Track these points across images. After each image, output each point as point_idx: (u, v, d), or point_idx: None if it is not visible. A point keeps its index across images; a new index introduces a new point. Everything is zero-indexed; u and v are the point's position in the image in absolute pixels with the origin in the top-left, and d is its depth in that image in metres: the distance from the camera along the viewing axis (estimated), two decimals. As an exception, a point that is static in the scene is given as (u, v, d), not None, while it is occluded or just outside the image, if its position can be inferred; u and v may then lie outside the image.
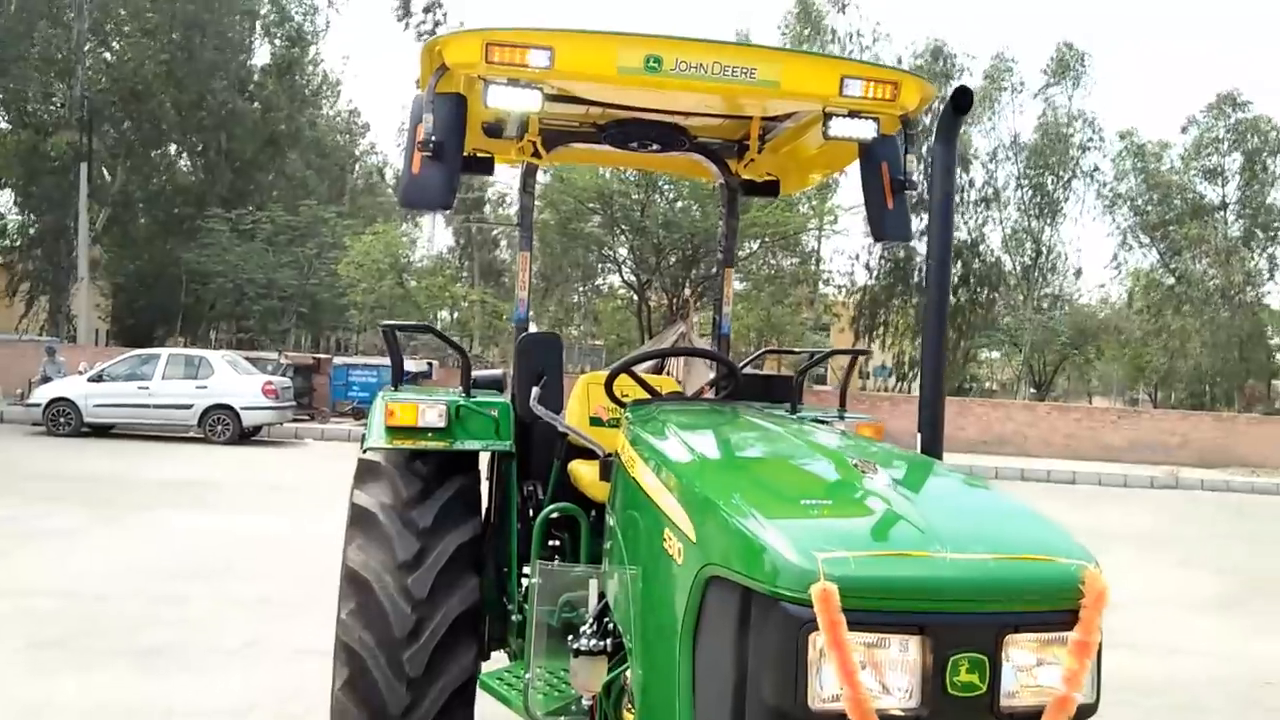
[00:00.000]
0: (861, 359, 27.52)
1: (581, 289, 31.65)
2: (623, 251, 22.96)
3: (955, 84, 3.03)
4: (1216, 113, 28.42)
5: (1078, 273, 30.43)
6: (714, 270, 22.02)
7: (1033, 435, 21.66)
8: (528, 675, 2.91)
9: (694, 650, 1.90)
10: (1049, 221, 28.25)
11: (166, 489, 11.12)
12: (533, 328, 4.13)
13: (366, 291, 24.86)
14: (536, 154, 4.02)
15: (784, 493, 2.08)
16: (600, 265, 27.30)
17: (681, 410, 3.00)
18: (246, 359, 19.00)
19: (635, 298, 23.44)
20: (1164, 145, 29.25)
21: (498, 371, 4.67)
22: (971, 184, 28.58)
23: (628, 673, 2.47)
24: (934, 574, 1.65)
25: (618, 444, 2.91)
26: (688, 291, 22.41)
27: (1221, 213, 27.83)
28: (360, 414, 20.08)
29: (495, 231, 29.59)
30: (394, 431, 3.42)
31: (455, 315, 28.76)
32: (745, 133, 3.98)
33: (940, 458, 2.44)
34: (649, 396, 3.45)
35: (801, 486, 2.15)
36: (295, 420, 18.99)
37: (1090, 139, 28.47)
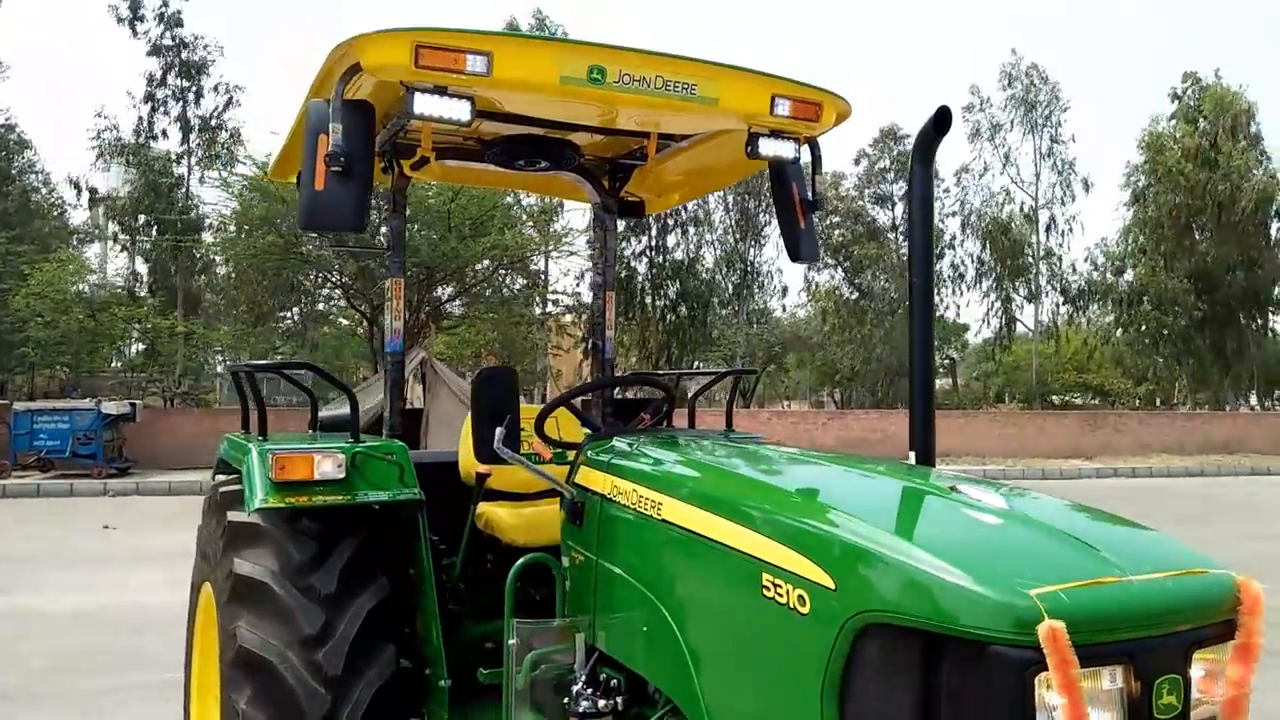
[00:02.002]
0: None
1: (296, 316, 29.80)
2: (347, 277, 21.96)
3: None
4: (882, 146, 32.12)
5: (784, 290, 33.08)
6: (450, 295, 21.46)
7: (756, 440, 23.15)
8: None
9: (842, 705, 1.79)
10: (754, 244, 30.49)
11: None
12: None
13: (48, 326, 21.84)
14: (403, 172, 3.79)
15: (922, 527, 1.97)
16: (322, 290, 25.89)
17: (659, 443, 2.86)
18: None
19: (365, 323, 22.45)
20: (839, 176, 32.58)
21: (344, 410, 4.31)
22: (685, 208, 30.20)
23: None
24: (1133, 599, 1.64)
25: (589, 483, 2.75)
26: (423, 316, 21.84)
27: (893, 233, 31.43)
28: (48, 465, 17.60)
29: (200, 254, 27.05)
30: (283, 487, 3.06)
31: (140, 349, 25.98)
32: (629, 151, 3.99)
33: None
34: (589, 432, 3.31)
35: (929, 518, 2.05)
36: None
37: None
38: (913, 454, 2.58)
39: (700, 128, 3.48)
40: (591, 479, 2.78)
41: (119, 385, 23.71)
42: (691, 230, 30.01)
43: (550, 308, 29.47)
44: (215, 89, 27.21)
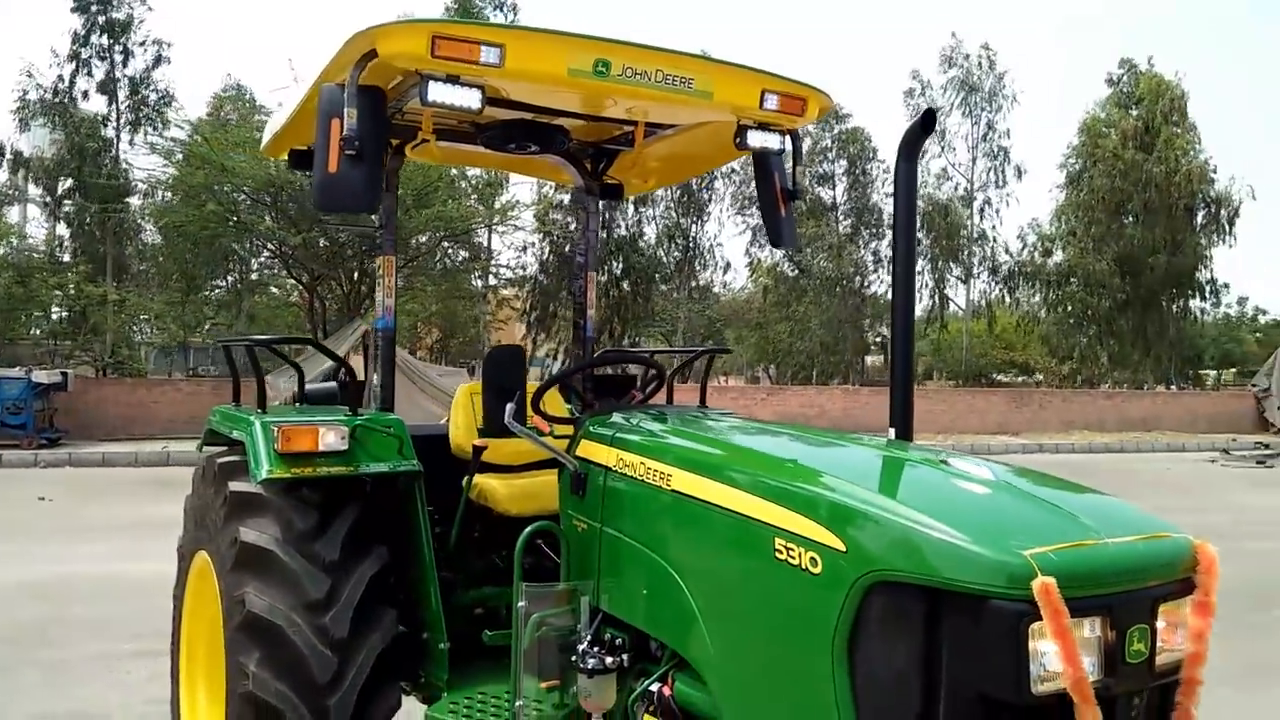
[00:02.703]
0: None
1: (229, 284, 29.20)
2: (287, 246, 21.58)
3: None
4: (823, 125, 32.52)
5: (726, 266, 33.45)
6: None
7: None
8: (519, 703, 2.85)
9: (851, 657, 1.96)
10: (696, 219, 30.70)
11: None
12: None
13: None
14: (399, 150, 3.87)
15: (921, 494, 2.14)
16: (259, 259, 25.41)
17: (656, 418, 3.04)
18: None
19: (307, 295, 22.13)
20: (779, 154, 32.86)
21: (330, 384, 4.41)
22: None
23: (653, 686, 2.54)
24: (1110, 559, 1.86)
25: (591, 455, 2.91)
26: (364, 288, 21.60)
27: (834, 212, 31.93)
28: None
29: (129, 220, 26.24)
30: (288, 459, 3.18)
31: (64, 316, 25.19)
32: (614, 136, 4.11)
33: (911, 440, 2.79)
34: (570, 407, 3.45)
35: (926, 486, 2.23)
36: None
37: (725, 144, 31.27)
38: (892, 430, 2.79)
39: (691, 119, 3.62)
40: (593, 452, 2.93)
41: (44, 354, 22.99)
42: (634, 207, 30.09)
43: (492, 280, 29.38)
44: (143, 44, 26.19)
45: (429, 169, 20.44)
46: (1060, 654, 1.72)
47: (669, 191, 30.54)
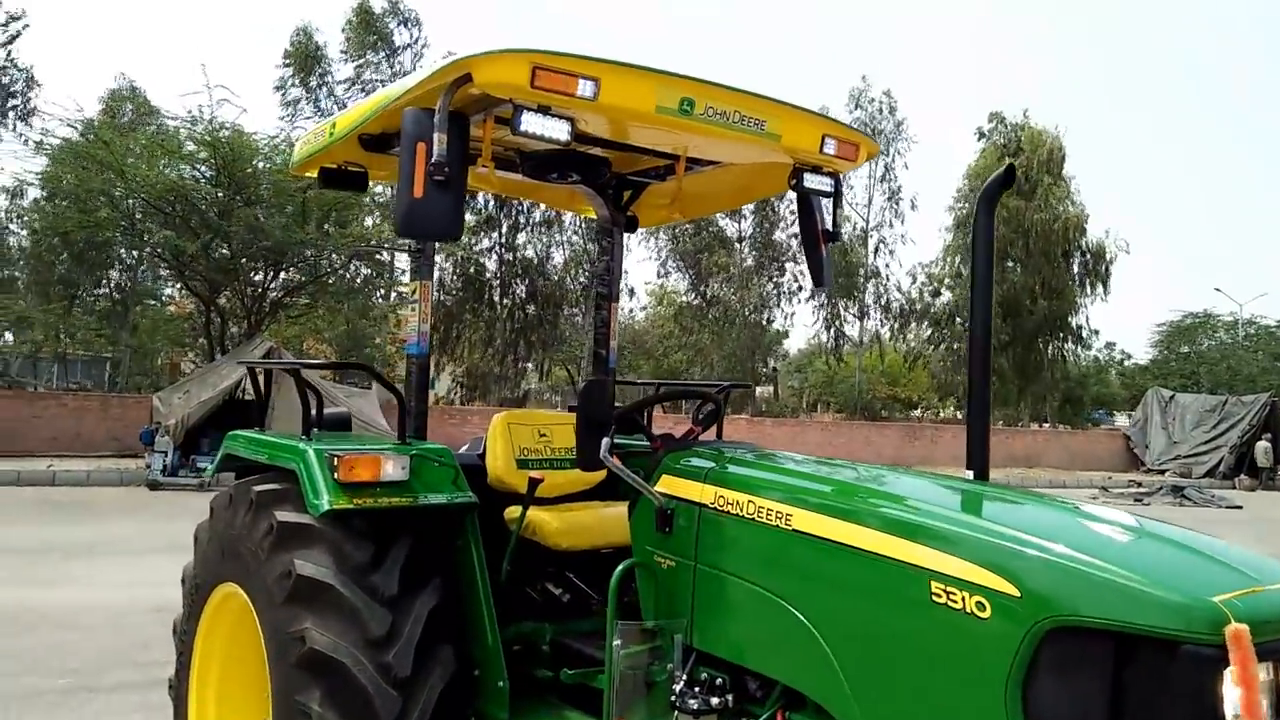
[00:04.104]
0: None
1: (111, 295, 27.68)
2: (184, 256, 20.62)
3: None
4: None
5: (631, 293, 33.62)
6: (301, 280, 20.50)
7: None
8: None
9: (1025, 703, 1.96)
10: (603, 245, 30.84)
11: None
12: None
13: None
14: None
15: (1083, 539, 2.17)
16: (145, 270, 24.19)
17: (734, 455, 3.00)
18: None
19: (203, 306, 21.16)
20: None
21: (343, 410, 4.26)
22: (537, 205, 30.22)
23: None
24: (1274, 606, 1.92)
25: (679, 492, 2.87)
26: (267, 305, 20.84)
27: (740, 244, 32.59)
28: None
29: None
30: (349, 489, 3.08)
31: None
32: (649, 169, 4.12)
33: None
34: (646, 439, 3.40)
35: (1083, 531, 2.27)
36: None
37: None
38: (970, 471, 2.85)
39: (751, 159, 3.66)
40: (679, 487, 2.89)
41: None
42: (542, 230, 30.05)
43: (393, 297, 28.77)
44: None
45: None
46: (1242, 700, 1.77)
47: (577, 216, 30.63)
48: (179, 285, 23.16)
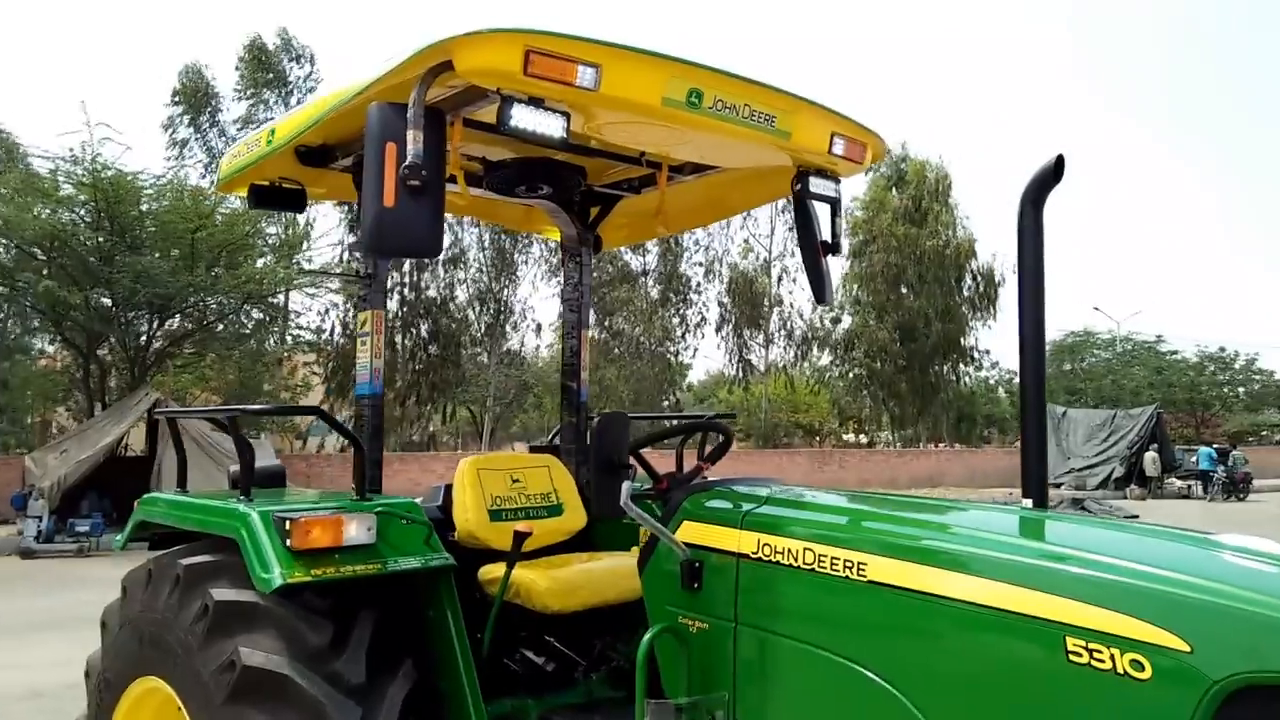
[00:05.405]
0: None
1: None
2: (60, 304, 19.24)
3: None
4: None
5: (538, 329, 33.05)
6: (189, 328, 19.28)
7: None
8: None
9: None
10: (508, 282, 30.33)
11: None
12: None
13: None
14: None
15: (1251, 580, 1.91)
16: (22, 323, 22.53)
17: (763, 494, 2.63)
18: None
19: (80, 358, 19.74)
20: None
21: (276, 463, 3.78)
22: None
23: None
24: None
25: (708, 540, 2.51)
26: (152, 354, 19.57)
27: (644, 278, 32.48)
28: None
29: None
30: (305, 557, 2.61)
31: None
32: (621, 180, 3.76)
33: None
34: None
35: (1243, 570, 1.99)
36: None
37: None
38: (1029, 500, 2.58)
39: (750, 162, 3.33)
40: (711, 535, 2.52)
41: None
42: (444, 268, 29.35)
43: (287, 341, 27.57)
44: None
45: (235, 226, 18.98)
46: None
47: (482, 253, 30.07)
48: (54, 337, 21.56)
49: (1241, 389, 47.69)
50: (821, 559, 2.26)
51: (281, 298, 25.53)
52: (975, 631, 1.97)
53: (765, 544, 2.38)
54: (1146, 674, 1.74)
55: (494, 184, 3.41)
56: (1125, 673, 1.76)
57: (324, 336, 28.07)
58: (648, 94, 2.58)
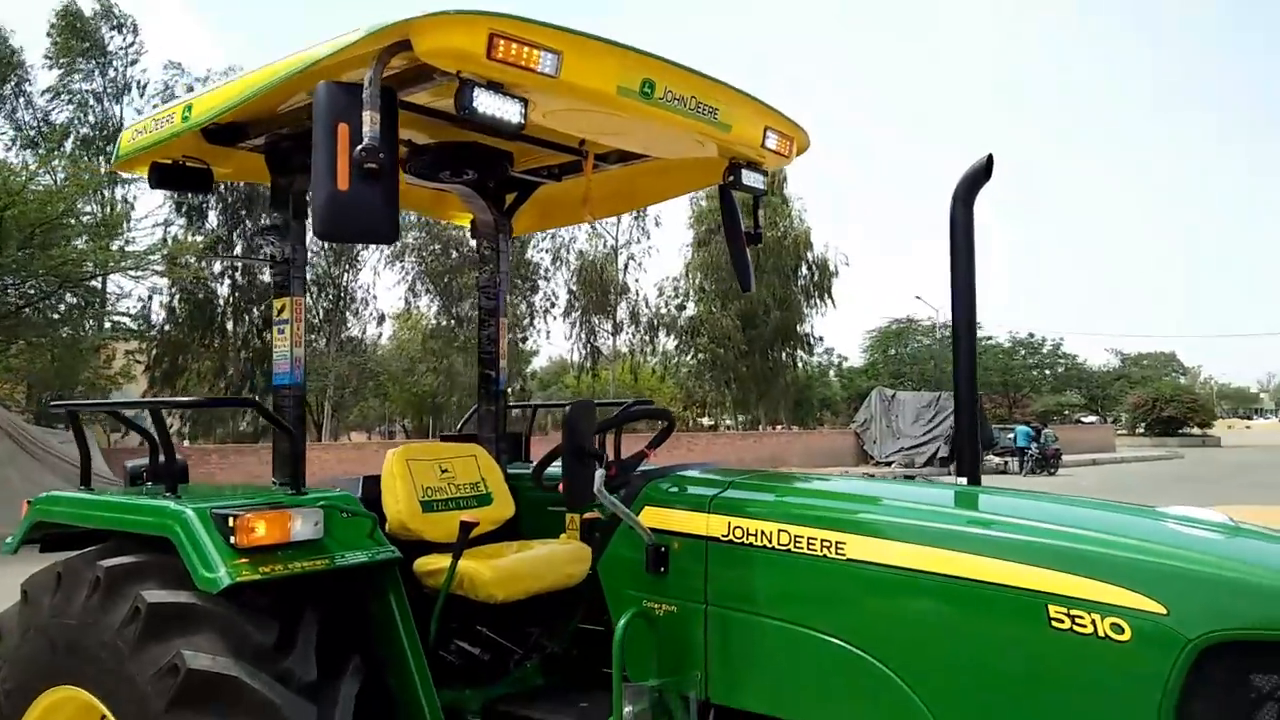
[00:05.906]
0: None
1: None
2: None
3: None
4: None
5: (380, 318, 32.02)
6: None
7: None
8: None
9: None
10: (349, 268, 29.31)
11: None
12: None
13: None
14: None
15: (1224, 548, 2.04)
16: None
17: (724, 477, 2.70)
18: None
19: None
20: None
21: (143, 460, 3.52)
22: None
23: None
24: None
25: (672, 525, 2.55)
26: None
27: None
28: None
29: None
30: (251, 555, 2.50)
31: None
32: (544, 167, 3.74)
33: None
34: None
35: (1213, 539, 2.11)
36: None
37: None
38: (964, 479, 2.74)
39: (684, 152, 3.35)
40: (675, 520, 2.55)
41: None
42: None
43: (106, 326, 25.64)
44: None
45: (48, 205, 17.48)
46: None
47: (315, 240, 28.86)
48: None
49: (1048, 371, 51.96)
50: (798, 539, 2.32)
51: (98, 282, 23.73)
52: (957, 604, 2.07)
53: (736, 527, 2.43)
54: (1126, 636, 1.86)
55: (416, 168, 3.33)
56: (1106, 636, 1.88)
57: (147, 323, 26.30)
58: (604, 82, 2.60)
